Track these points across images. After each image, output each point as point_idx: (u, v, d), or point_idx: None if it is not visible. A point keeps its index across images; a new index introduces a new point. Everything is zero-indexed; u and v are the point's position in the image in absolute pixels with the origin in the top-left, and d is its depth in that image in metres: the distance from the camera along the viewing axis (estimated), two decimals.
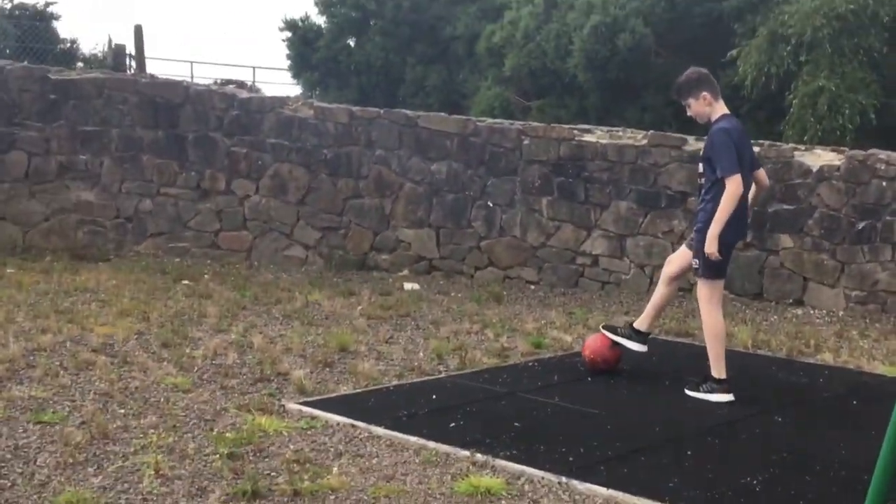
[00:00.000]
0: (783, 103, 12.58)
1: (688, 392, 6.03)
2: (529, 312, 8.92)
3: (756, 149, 9.96)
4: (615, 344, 6.55)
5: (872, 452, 3.47)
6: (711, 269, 5.97)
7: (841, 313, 9.42)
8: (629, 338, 6.47)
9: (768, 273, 9.89)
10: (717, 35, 13.47)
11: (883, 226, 9.41)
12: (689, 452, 4.92)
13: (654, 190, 10.22)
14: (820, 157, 9.82)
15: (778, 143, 10.47)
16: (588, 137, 10.54)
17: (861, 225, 9.48)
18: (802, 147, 10.26)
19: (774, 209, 9.76)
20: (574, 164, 10.44)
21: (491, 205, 10.66)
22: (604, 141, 10.45)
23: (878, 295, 9.44)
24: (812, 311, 9.49)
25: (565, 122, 12.10)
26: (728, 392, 5.92)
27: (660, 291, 6.44)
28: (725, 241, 5.87)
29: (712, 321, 5.97)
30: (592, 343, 6.62)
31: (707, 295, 6.01)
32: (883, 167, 9.42)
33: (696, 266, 6.02)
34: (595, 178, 10.39)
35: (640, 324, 6.50)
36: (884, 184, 9.40)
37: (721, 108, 6.02)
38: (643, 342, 6.49)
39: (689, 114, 6.14)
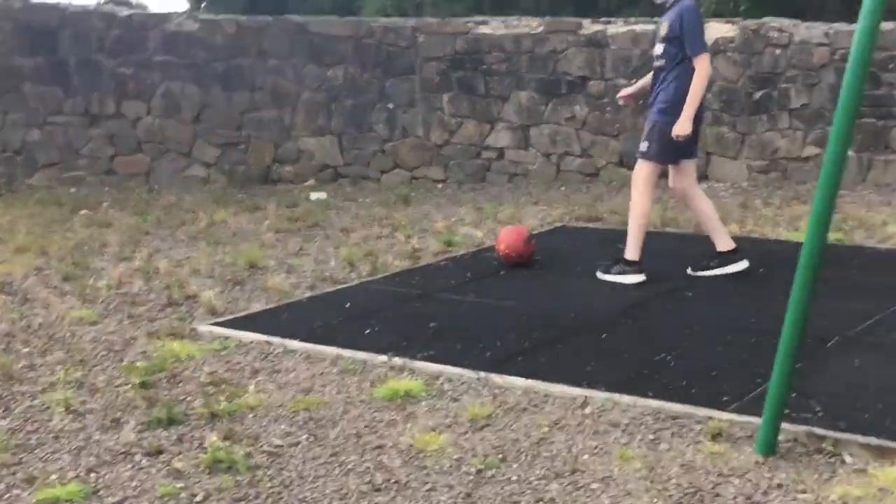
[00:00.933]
0: None
1: (599, 275, 6.06)
2: (439, 211, 8.87)
3: (648, 26, 9.98)
4: (530, 238, 6.53)
5: (781, 316, 3.52)
6: (666, 154, 5.86)
7: (745, 184, 9.56)
8: (726, 264, 6.09)
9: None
10: None
11: (779, 94, 9.52)
12: (604, 336, 4.96)
13: (554, 77, 10.16)
14: (714, 30, 9.81)
15: None
16: (484, 29, 10.39)
17: (758, 95, 9.58)
18: None
19: None
20: (472, 58, 10.31)
21: (391, 106, 10.50)
22: (500, 32, 10.31)
23: (779, 163, 9.60)
24: (717, 185, 9.61)
25: (461, 16, 11.90)
26: (640, 273, 5.97)
27: (699, 209, 6.13)
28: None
29: (643, 203, 5.91)
30: (506, 237, 6.58)
31: (647, 176, 5.90)
32: (776, 35, 9.49)
33: (646, 149, 5.88)
34: (494, 70, 10.28)
35: (720, 245, 6.14)
36: (777, 52, 9.48)
37: None
38: (739, 258, 6.10)
39: None
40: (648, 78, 6.14)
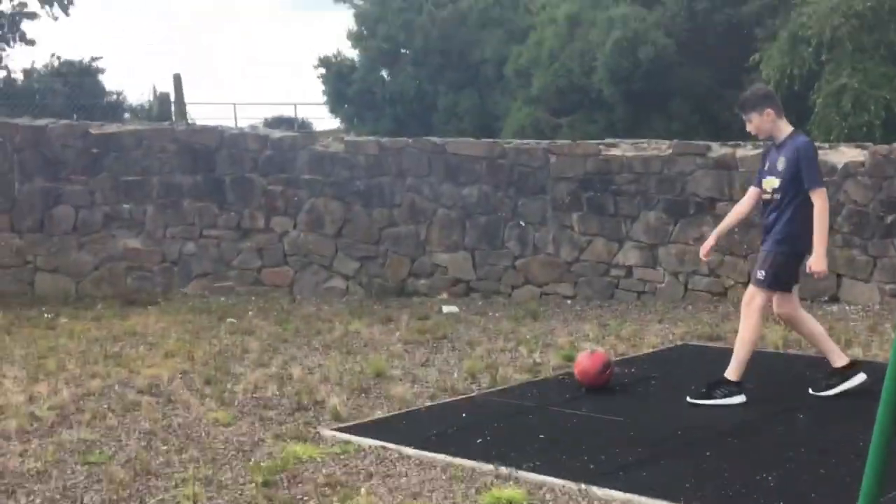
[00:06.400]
0: (808, 103, 12.66)
1: (695, 402, 6.05)
2: (564, 327, 9.09)
3: None
4: (606, 367, 6.52)
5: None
6: (780, 282, 6.06)
7: (877, 307, 9.45)
8: (844, 381, 6.21)
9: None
10: (739, 40, 13.60)
11: None
12: (707, 454, 5.07)
13: (682, 198, 10.35)
14: (844, 154, 9.89)
15: None
16: (614, 151, 10.70)
17: (890, 219, 9.53)
18: (826, 145, 10.34)
19: None
20: (601, 179, 10.61)
21: (523, 224, 10.86)
22: (629, 153, 10.61)
23: None
24: (847, 308, 9.53)
25: (595, 137, 12.27)
26: (740, 394, 6.04)
27: (806, 328, 6.33)
28: (800, 253, 6.07)
29: (754, 328, 6.06)
30: (582, 362, 6.58)
31: (760, 304, 6.04)
32: None
33: (762, 277, 6.02)
34: (623, 190, 10.55)
35: (835, 361, 6.30)
36: None
37: (787, 126, 6.09)
38: (856, 371, 6.24)
39: (748, 128, 6.16)
40: (728, 223, 6.46)
